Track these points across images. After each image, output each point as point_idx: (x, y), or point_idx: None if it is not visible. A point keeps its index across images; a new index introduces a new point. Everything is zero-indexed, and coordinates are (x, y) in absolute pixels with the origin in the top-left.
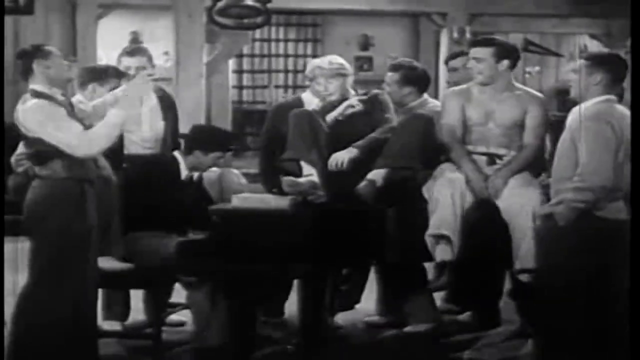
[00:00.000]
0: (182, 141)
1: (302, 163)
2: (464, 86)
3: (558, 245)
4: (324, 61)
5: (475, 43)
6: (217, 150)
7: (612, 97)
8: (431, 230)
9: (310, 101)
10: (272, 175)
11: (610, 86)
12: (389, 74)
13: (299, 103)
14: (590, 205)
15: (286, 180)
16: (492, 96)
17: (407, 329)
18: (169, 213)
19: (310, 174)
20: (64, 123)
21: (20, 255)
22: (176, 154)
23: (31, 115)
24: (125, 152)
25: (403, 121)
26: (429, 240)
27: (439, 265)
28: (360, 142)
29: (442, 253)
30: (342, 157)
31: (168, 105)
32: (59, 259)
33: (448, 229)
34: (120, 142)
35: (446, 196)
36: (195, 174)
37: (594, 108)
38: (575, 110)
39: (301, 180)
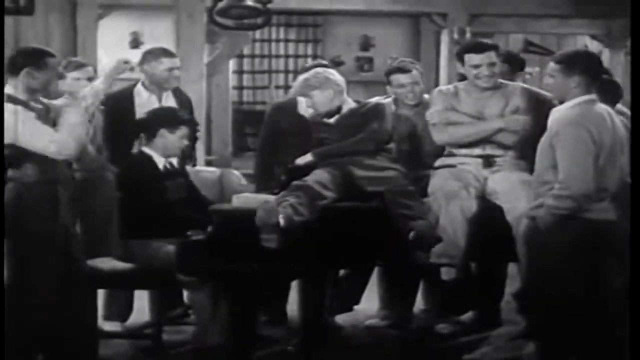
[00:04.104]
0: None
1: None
2: (450, 86)
3: (543, 247)
4: (308, 75)
5: (469, 49)
6: (181, 125)
7: (592, 96)
8: (434, 258)
9: (303, 102)
10: (268, 176)
11: (590, 85)
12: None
13: (294, 103)
14: (572, 212)
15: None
16: (479, 94)
17: (441, 328)
18: (163, 211)
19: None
20: (36, 128)
21: None
22: (143, 149)
23: (7, 119)
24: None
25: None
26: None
27: None
28: (319, 150)
29: (447, 273)
30: (300, 161)
31: (186, 105)
32: (31, 262)
33: (453, 256)
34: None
35: (455, 212)
36: (175, 160)
37: (572, 111)
38: (555, 112)
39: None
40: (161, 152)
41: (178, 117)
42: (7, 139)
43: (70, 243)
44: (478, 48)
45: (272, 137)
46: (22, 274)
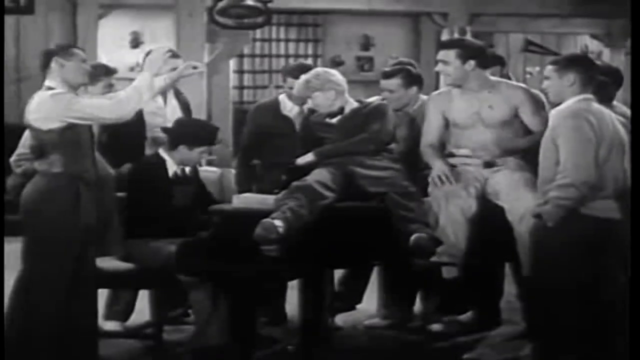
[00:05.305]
0: (165, 136)
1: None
2: (444, 89)
3: (550, 246)
4: (309, 76)
5: (440, 45)
6: (201, 145)
7: (589, 95)
8: (434, 257)
9: (286, 103)
10: (249, 176)
11: (585, 85)
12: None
13: (276, 104)
14: (576, 203)
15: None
16: (473, 97)
17: (434, 327)
18: (166, 216)
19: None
20: (86, 98)
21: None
22: (160, 151)
23: (50, 102)
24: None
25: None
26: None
27: None
28: (320, 149)
29: (448, 272)
30: (300, 161)
31: (185, 107)
32: (48, 255)
33: (453, 255)
34: (139, 140)
35: (455, 212)
36: (187, 168)
37: (572, 107)
38: (554, 111)
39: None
40: (177, 160)
41: (201, 136)
42: (47, 123)
43: (82, 243)
44: (441, 45)
45: (254, 137)
46: (36, 268)
